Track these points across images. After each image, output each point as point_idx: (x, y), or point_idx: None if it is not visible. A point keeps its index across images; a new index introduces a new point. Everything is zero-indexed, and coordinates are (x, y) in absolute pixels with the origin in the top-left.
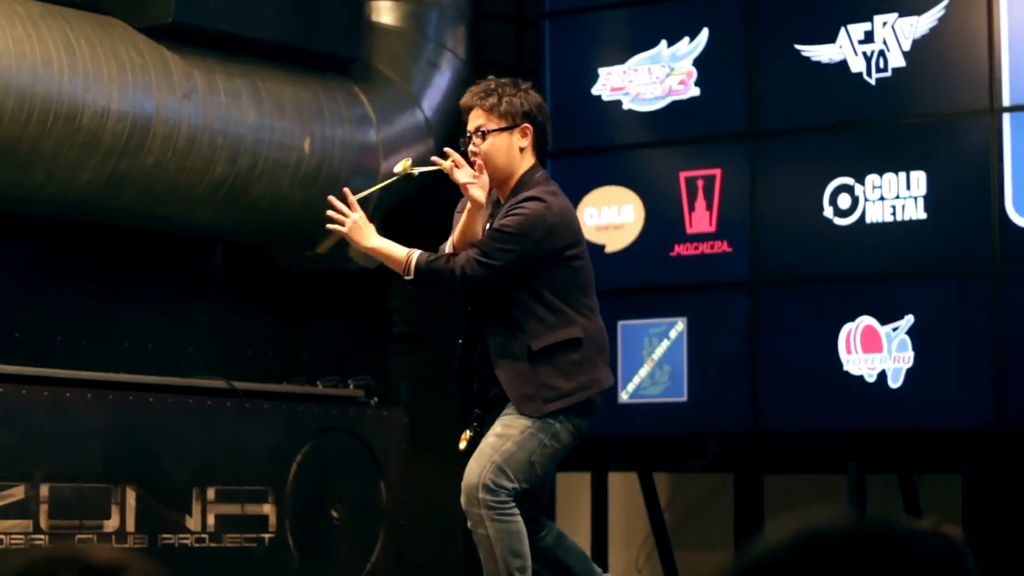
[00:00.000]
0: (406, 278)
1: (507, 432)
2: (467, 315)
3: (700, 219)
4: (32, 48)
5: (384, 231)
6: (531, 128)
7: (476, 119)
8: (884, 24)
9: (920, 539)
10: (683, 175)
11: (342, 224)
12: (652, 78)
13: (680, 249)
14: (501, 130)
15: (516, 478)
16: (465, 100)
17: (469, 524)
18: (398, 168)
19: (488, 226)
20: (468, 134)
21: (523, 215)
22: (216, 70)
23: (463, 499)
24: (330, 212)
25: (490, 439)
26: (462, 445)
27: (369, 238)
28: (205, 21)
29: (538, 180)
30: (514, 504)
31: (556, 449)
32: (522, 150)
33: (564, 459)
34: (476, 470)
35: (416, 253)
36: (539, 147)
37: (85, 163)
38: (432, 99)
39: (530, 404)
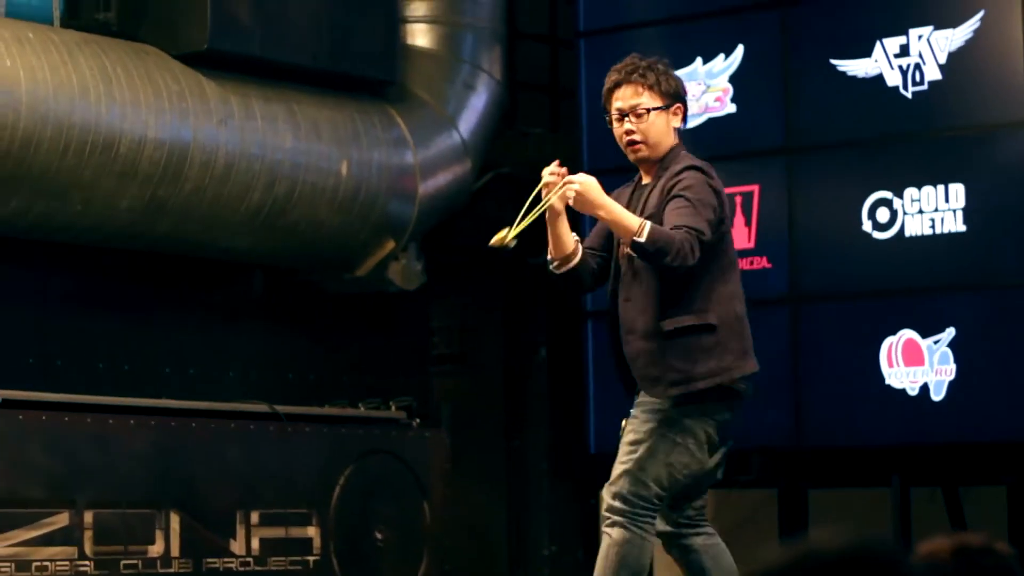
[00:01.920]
0: (636, 240)
1: (638, 438)
2: (614, 286)
3: (739, 235)
4: (69, 77)
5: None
6: (683, 107)
7: (633, 97)
8: (919, 37)
9: (909, 563)
10: None
11: (571, 182)
12: (688, 96)
13: None
14: (661, 108)
15: (655, 484)
16: (618, 77)
17: (603, 513)
18: (495, 240)
19: (640, 210)
20: (619, 111)
21: (692, 185)
22: (252, 95)
23: (603, 502)
24: (551, 171)
25: (624, 447)
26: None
27: (602, 195)
28: (240, 47)
29: (684, 154)
30: (651, 517)
31: (694, 446)
32: (675, 129)
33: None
34: (615, 479)
35: (648, 221)
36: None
37: (123, 191)
38: (468, 120)
39: (655, 387)
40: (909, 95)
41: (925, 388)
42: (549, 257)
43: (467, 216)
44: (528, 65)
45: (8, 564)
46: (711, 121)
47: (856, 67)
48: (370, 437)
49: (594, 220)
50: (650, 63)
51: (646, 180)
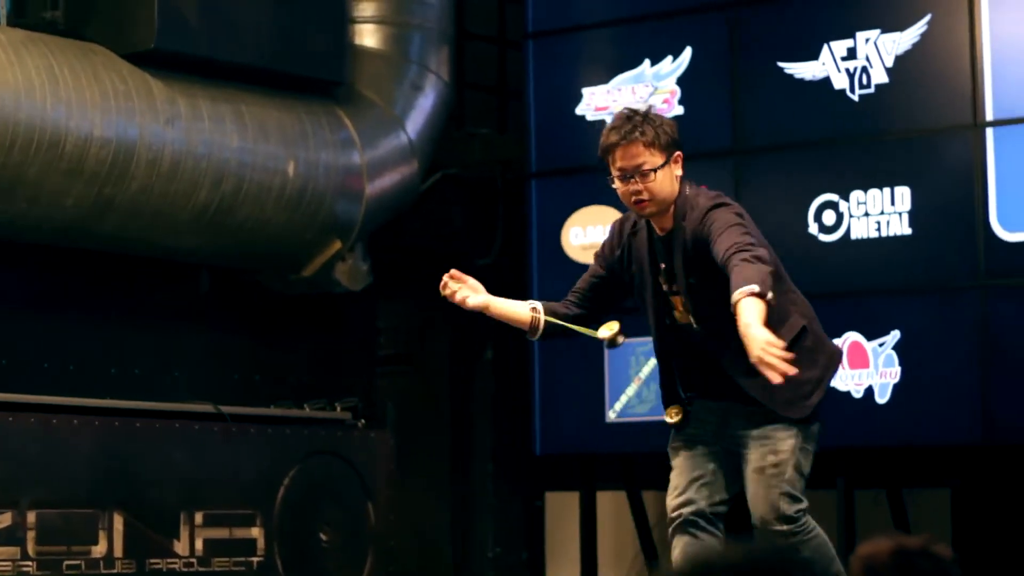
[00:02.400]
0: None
1: (781, 458)
2: (667, 331)
3: None
4: (15, 76)
5: (373, 255)
6: (681, 153)
7: (635, 157)
8: (867, 41)
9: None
10: None
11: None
12: (636, 97)
13: None
14: (664, 165)
15: (802, 495)
16: (617, 138)
17: (773, 540)
18: (605, 334)
19: (679, 263)
20: (622, 171)
21: (724, 216)
22: (199, 95)
23: (765, 535)
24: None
25: (768, 471)
26: (673, 420)
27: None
28: (188, 47)
29: (693, 193)
30: (810, 520)
31: (814, 449)
32: (678, 177)
33: (551, 479)
34: (768, 506)
35: (741, 293)
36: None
37: (69, 189)
38: (416, 121)
39: (794, 408)
40: (856, 98)
41: (870, 391)
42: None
43: (414, 216)
44: (476, 66)
45: None
46: None
47: (803, 70)
48: (315, 438)
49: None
50: (645, 116)
51: (662, 230)
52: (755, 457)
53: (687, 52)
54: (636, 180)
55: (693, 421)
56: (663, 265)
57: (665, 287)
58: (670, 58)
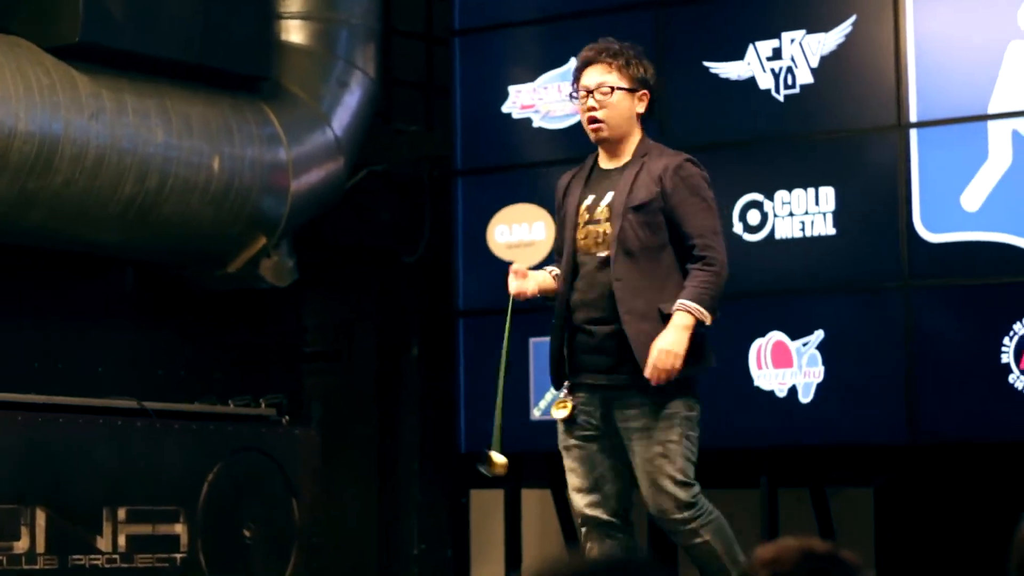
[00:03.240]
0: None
1: (668, 448)
2: (569, 271)
3: None
4: None
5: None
6: (648, 95)
7: (601, 74)
8: (792, 41)
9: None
10: None
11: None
12: (562, 95)
13: None
14: (627, 90)
15: (694, 479)
16: (589, 55)
17: (681, 543)
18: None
19: (613, 201)
20: (585, 88)
21: (700, 185)
22: (124, 89)
23: (665, 526)
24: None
25: (657, 461)
26: (561, 414)
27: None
28: (113, 40)
29: (660, 145)
30: (704, 499)
31: (696, 436)
32: (638, 115)
33: (476, 476)
34: (665, 497)
35: (687, 306)
36: (646, 118)
37: None
38: (342, 118)
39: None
40: (781, 98)
41: (793, 390)
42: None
43: (340, 213)
44: (403, 62)
45: None
46: None
47: (729, 69)
48: (240, 434)
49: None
50: (623, 47)
51: (610, 164)
52: (641, 449)
53: None
54: (596, 96)
55: (580, 415)
56: (592, 196)
57: (586, 216)
58: None
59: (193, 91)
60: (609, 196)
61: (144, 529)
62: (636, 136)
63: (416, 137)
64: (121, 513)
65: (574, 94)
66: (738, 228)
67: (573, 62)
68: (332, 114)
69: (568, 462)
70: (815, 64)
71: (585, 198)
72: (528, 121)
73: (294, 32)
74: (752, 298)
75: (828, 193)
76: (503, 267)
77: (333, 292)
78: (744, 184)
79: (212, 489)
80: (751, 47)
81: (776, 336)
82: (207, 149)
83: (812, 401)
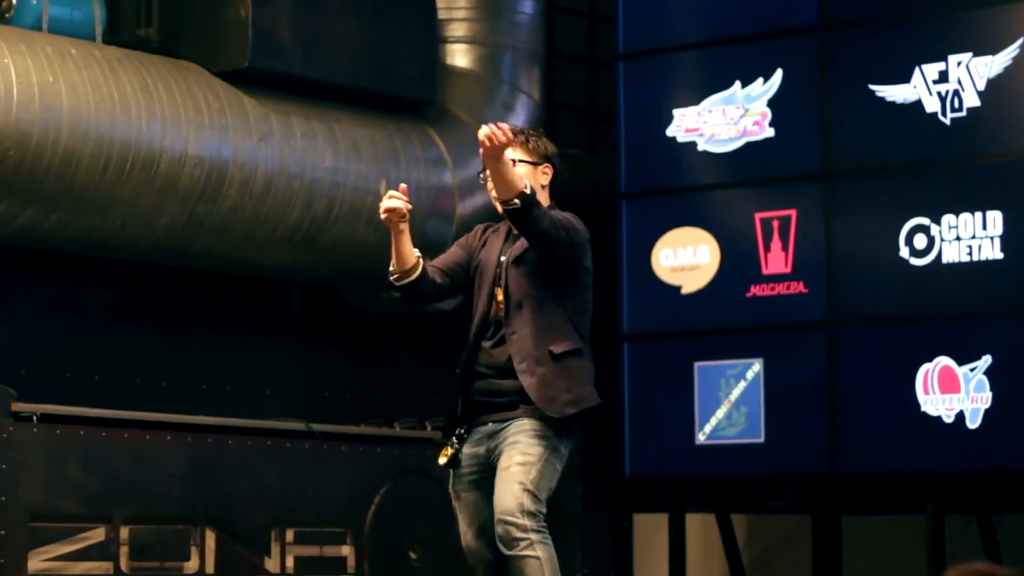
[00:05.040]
0: (513, 200)
1: (528, 459)
2: (480, 323)
3: (776, 260)
4: (110, 93)
5: None
6: (551, 169)
7: (513, 153)
8: (959, 64)
9: None
10: (758, 216)
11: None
12: (727, 119)
13: (756, 290)
14: (529, 162)
15: (544, 502)
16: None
17: (510, 551)
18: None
19: (502, 257)
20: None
21: (559, 216)
22: (292, 113)
23: (501, 528)
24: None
25: (513, 467)
26: (442, 461)
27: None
28: (281, 65)
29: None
30: (546, 526)
31: (560, 471)
32: (543, 187)
33: (640, 501)
34: (514, 498)
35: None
36: (552, 191)
37: (162, 208)
38: None
39: (552, 405)
40: (948, 121)
41: (961, 416)
42: (391, 270)
43: None
44: (566, 86)
45: None
46: (749, 145)
47: (895, 93)
48: (405, 457)
49: (450, 241)
50: (524, 128)
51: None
52: (504, 459)
53: (778, 74)
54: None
55: (466, 460)
56: (503, 257)
57: (497, 272)
58: (761, 80)
59: (359, 115)
60: (506, 257)
61: (312, 551)
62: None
63: (579, 160)
64: (289, 534)
65: (482, 175)
66: (904, 252)
67: (738, 86)
68: None
69: (457, 506)
70: (982, 87)
71: (502, 255)
72: (693, 145)
73: (459, 56)
74: (919, 323)
75: (996, 217)
76: (668, 291)
77: None
78: (910, 208)
79: (379, 511)
80: (917, 70)
81: (943, 361)
82: (374, 173)
83: (980, 427)
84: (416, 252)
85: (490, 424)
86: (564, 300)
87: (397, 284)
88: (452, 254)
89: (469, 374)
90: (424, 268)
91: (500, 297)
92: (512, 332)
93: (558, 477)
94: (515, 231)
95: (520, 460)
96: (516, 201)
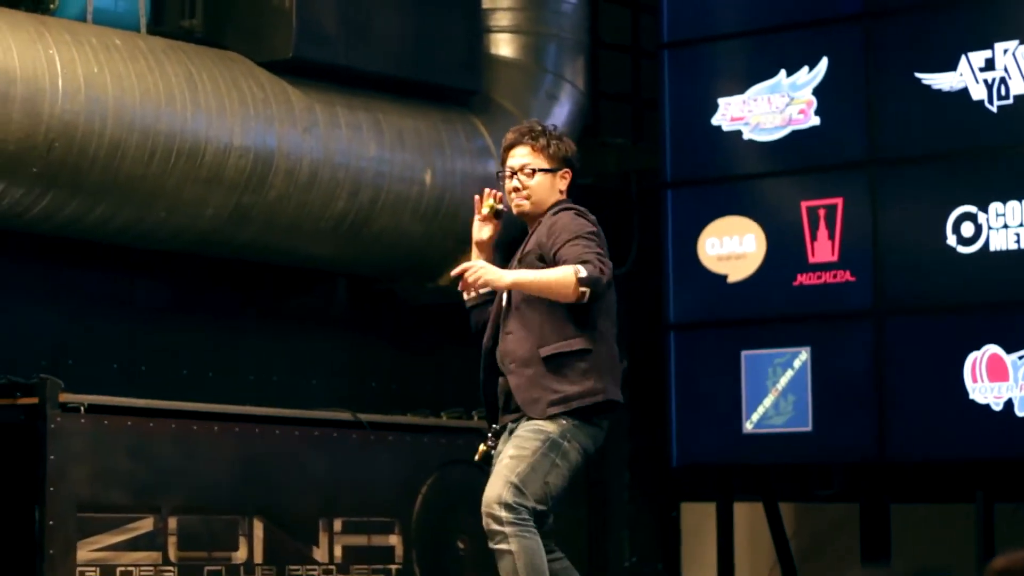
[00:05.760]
0: (582, 291)
1: (521, 453)
2: (495, 323)
3: (823, 248)
4: (155, 84)
5: None
6: (570, 173)
7: (524, 156)
8: (1005, 51)
9: None
10: (805, 204)
11: (474, 274)
12: (772, 107)
13: (803, 278)
14: (548, 170)
15: (533, 498)
16: (513, 137)
17: (490, 543)
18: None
19: (520, 253)
20: (511, 168)
21: (568, 224)
22: (337, 103)
23: (484, 518)
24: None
25: (505, 460)
26: (476, 457)
27: (503, 276)
28: (325, 55)
29: (564, 207)
30: (533, 522)
31: (567, 469)
32: (560, 192)
33: (688, 490)
34: (496, 489)
35: (574, 268)
36: (569, 190)
37: (208, 198)
38: None
39: (535, 406)
40: (994, 109)
41: (1009, 403)
42: (465, 295)
43: None
44: (611, 75)
45: (93, 568)
46: (794, 134)
47: (941, 80)
48: (452, 447)
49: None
50: (545, 128)
51: (530, 228)
52: (502, 454)
53: (823, 62)
54: (520, 177)
55: (496, 457)
56: (517, 255)
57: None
58: (806, 68)
59: (404, 105)
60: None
61: (360, 540)
62: (552, 205)
63: (624, 150)
64: (337, 524)
65: (501, 173)
66: (952, 240)
67: (783, 74)
68: None
69: None
70: None
71: (514, 258)
72: (738, 133)
73: (504, 46)
74: (967, 311)
75: None
76: (714, 280)
77: None
78: (957, 196)
79: (426, 501)
80: (963, 58)
81: (992, 349)
82: (419, 163)
83: None
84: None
85: (509, 424)
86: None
87: (471, 304)
88: None
89: (490, 373)
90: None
91: (504, 299)
92: (507, 332)
93: (567, 473)
94: (527, 232)
95: (512, 454)
96: (584, 293)
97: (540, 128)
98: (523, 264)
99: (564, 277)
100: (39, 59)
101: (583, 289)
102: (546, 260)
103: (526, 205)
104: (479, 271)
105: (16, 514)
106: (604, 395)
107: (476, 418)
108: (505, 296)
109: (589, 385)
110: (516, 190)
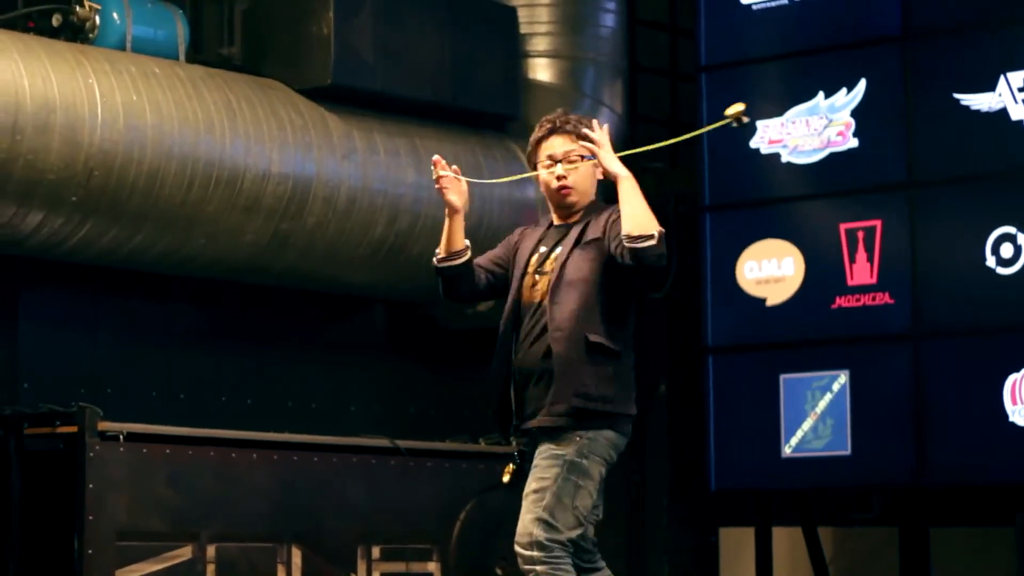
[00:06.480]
0: (648, 236)
1: (542, 485)
2: (510, 324)
3: (861, 271)
4: (194, 112)
5: None
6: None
7: (566, 143)
8: None
9: None
10: (843, 227)
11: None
12: (810, 130)
13: (841, 301)
14: (590, 158)
15: (565, 528)
16: (550, 125)
17: (522, 567)
18: (731, 111)
19: (561, 248)
20: (550, 158)
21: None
22: (375, 130)
23: (518, 556)
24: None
25: (530, 497)
26: (505, 479)
27: (620, 167)
28: (363, 82)
29: (606, 205)
30: (567, 557)
31: (592, 486)
32: (595, 181)
33: (726, 514)
34: (526, 527)
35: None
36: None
37: (247, 225)
38: None
39: (577, 398)
40: None
41: None
42: (437, 251)
43: None
44: (649, 99)
45: None
46: (833, 156)
47: (979, 101)
48: (491, 472)
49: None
50: (580, 117)
51: (565, 220)
52: (527, 486)
53: (861, 84)
54: (564, 165)
55: (527, 466)
56: (543, 248)
57: (533, 267)
58: (844, 90)
59: (442, 130)
60: (558, 249)
61: (398, 567)
62: (591, 199)
63: (662, 173)
64: (375, 551)
65: (536, 163)
66: (991, 262)
67: (821, 96)
68: None
69: None
70: None
71: (537, 250)
72: (776, 156)
73: (541, 71)
74: (1006, 332)
75: None
76: (752, 304)
77: None
78: (996, 217)
79: (464, 527)
80: (1002, 78)
81: None
82: None
83: None
84: (466, 241)
85: (536, 423)
86: (620, 303)
87: (439, 265)
88: (496, 252)
89: (507, 382)
90: (470, 258)
91: (531, 285)
92: (553, 303)
93: (593, 490)
94: (555, 225)
95: (535, 487)
96: (660, 239)
97: (576, 117)
98: (583, 250)
99: (653, 218)
100: (78, 88)
101: (660, 235)
102: (608, 255)
103: (573, 195)
104: (605, 149)
105: (56, 542)
106: (628, 407)
107: (515, 444)
108: (557, 270)
109: (623, 393)
110: (561, 178)
